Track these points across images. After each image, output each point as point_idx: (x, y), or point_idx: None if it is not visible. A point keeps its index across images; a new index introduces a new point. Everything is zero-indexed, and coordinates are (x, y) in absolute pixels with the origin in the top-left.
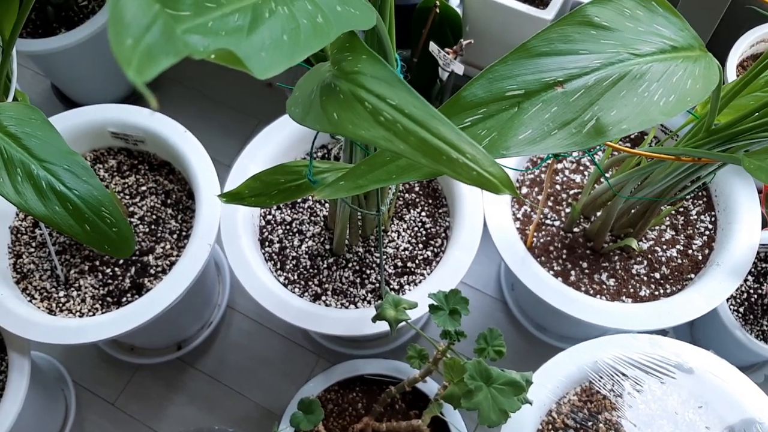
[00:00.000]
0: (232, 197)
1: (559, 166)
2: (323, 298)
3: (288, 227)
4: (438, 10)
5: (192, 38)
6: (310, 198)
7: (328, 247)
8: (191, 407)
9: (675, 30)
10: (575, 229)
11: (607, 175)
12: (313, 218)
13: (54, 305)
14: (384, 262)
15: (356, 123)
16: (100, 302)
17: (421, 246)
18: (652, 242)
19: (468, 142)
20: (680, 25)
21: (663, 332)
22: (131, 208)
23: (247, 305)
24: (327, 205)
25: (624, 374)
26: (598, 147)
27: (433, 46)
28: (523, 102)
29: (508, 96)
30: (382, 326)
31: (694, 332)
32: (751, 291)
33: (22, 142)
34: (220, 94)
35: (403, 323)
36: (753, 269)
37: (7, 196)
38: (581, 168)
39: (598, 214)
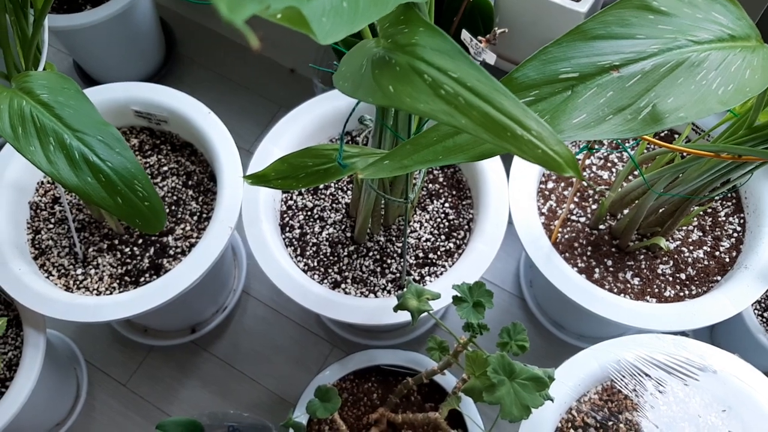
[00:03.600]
0: (258, 179)
1: (587, 161)
2: (343, 285)
3: (309, 213)
4: None
5: None
6: (332, 184)
7: (348, 234)
8: (203, 391)
9: (732, 18)
10: (601, 226)
11: (637, 172)
12: (334, 205)
13: (71, 282)
14: (402, 252)
15: (414, 96)
16: (117, 281)
17: (443, 237)
18: (678, 242)
19: (534, 119)
20: (738, 14)
21: (683, 334)
22: None
23: (263, 291)
24: (349, 192)
25: (647, 374)
26: (631, 141)
27: (465, 34)
28: (577, 85)
29: (561, 79)
30: (402, 316)
31: (714, 335)
32: None
33: (55, 111)
34: (242, 77)
35: (424, 314)
36: None
37: (39, 165)
38: (608, 165)
39: (626, 211)
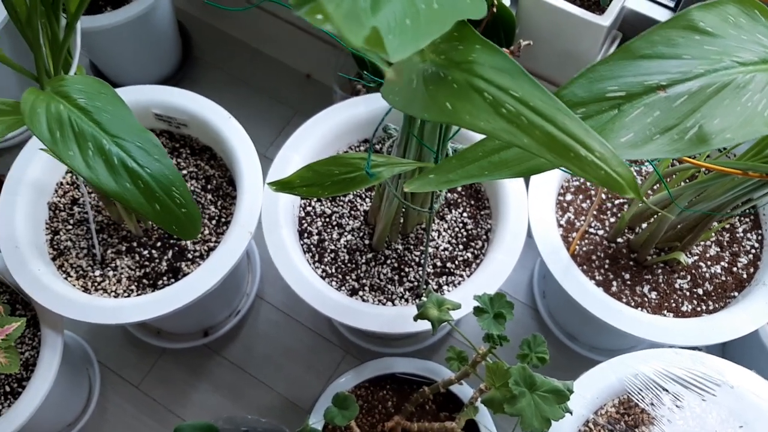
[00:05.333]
0: (282, 186)
1: None
2: (360, 293)
3: (327, 220)
4: (495, 10)
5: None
6: (350, 192)
7: (367, 242)
8: (215, 395)
9: None
10: (619, 240)
11: (657, 187)
12: (353, 212)
13: (89, 284)
14: (423, 261)
15: (474, 114)
16: (135, 284)
17: (461, 247)
18: (696, 257)
19: (597, 140)
20: None
21: (695, 349)
22: None
23: (276, 296)
24: (367, 200)
25: (664, 388)
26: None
27: None
28: (624, 104)
29: (608, 97)
30: (421, 325)
31: (727, 350)
32: None
33: (93, 116)
34: (257, 82)
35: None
36: None
37: (77, 170)
38: None
39: (644, 226)
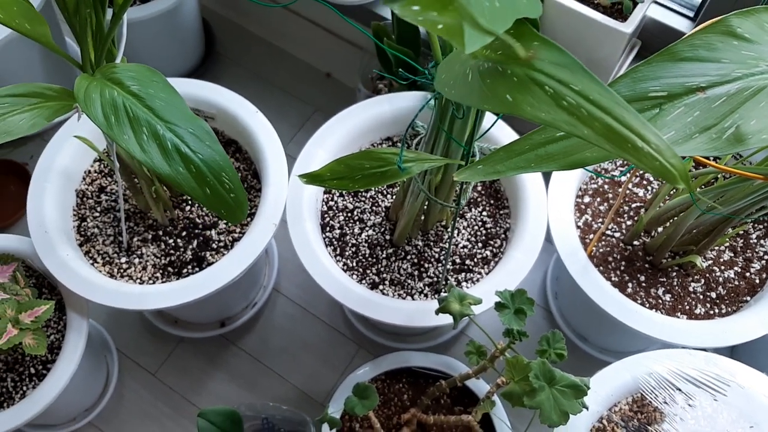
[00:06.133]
0: (313, 178)
1: (623, 178)
2: (381, 287)
3: (349, 214)
4: None
5: None
6: (372, 188)
7: (387, 237)
8: (231, 384)
9: None
10: (635, 242)
11: (674, 191)
12: (374, 208)
13: (115, 270)
14: (444, 257)
15: (536, 106)
16: (160, 271)
17: (480, 245)
18: (710, 262)
19: (653, 132)
20: None
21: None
22: None
23: (292, 289)
24: (389, 196)
25: (677, 388)
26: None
27: None
28: (665, 104)
29: (651, 96)
30: (440, 320)
31: (735, 353)
32: None
33: (146, 102)
34: (278, 79)
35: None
36: None
37: (132, 153)
38: (644, 182)
39: (660, 229)
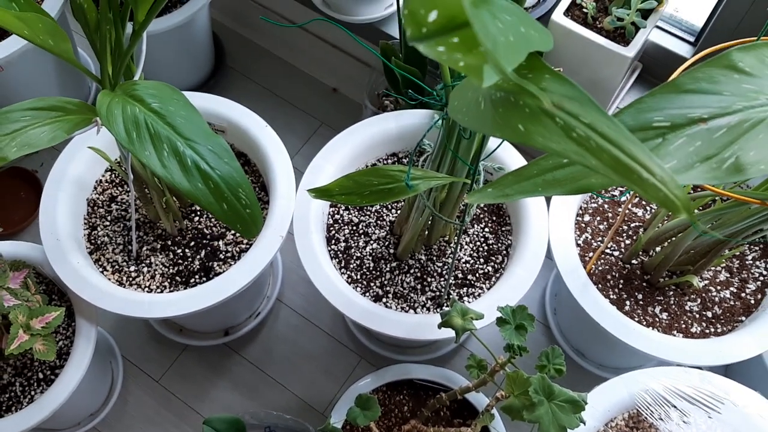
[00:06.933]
0: (321, 193)
1: (623, 198)
2: (384, 300)
3: (354, 228)
4: None
5: None
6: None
7: (391, 251)
8: (234, 393)
9: None
10: (633, 261)
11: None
12: (379, 222)
13: (124, 278)
14: (447, 272)
15: (546, 136)
16: (169, 280)
17: (482, 260)
18: (706, 282)
19: (657, 164)
20: None
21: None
22: None
23: (296, 300)
24: (393, 210)
25: (673, 405)
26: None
27: None
28: (668, 134)
29: (654, 126)
30: (441, 334)
31: (729, 373)
32: None
33: (167, 119)
34: (286, 93)
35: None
36: None
37: (153, 168)
38: (644, 203)
39: (658, 249)
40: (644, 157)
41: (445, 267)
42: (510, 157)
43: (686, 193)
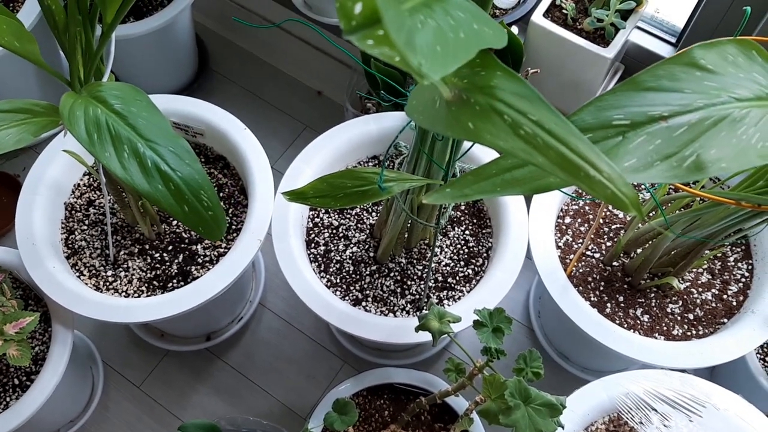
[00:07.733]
0: (296, 196)
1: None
2: (363, 303)
3: (334, 231)
4: None
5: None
6: (357, 205)
7: (371, 254)
8: (215, 398)
9: None
10: (614, 263)
11: (653, 214)
12: (359, 225)
13: (101, 283)
14: (427, 275)
15: (494, 134)
16: (146, 285)
17: (462, 263)
18: (688, 284)
19: (605, 162)
20: None
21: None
22: None
23: (278, 304)
24: (374, 213)
25: (653, 408)
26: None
27: None
28: (628, 132)
29: (614, 125)
30: (420, 337)
31: (714, 375)
32: None
33: (128, 120)
34: (270, 96)
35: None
36: None
37: (113, 170)
38: None
39: (639, 251)
40: (591, 154)
41: (425, 270)
42: (489, 157)
43: (635, 191)
